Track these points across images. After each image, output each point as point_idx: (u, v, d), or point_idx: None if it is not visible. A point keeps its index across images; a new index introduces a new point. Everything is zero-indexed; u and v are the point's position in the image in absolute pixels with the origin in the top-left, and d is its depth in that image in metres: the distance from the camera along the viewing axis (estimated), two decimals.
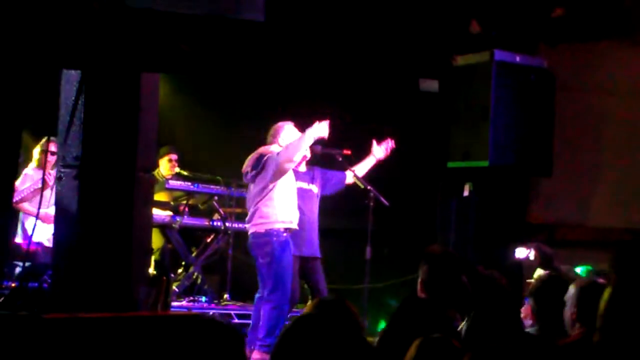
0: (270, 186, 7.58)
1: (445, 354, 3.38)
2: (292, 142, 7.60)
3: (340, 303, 3.94)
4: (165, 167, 10.28)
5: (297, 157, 7.63)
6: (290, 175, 7.74)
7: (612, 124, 8.86)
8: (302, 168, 8.19)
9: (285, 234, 7.59)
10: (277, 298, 7.49)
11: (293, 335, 2.84)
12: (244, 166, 7.77)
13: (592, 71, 8.99)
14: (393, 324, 4.10)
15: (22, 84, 5.39)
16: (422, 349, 3.39)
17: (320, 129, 7.65)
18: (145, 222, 6.06)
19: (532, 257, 7.97)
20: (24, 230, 8.81)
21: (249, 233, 7.74)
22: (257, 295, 7.78)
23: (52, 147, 8.86)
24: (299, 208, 7.87)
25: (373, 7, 9.28)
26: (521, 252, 8.22)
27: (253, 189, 7.74)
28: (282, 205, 7.61)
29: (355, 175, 8.22)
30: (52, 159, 8.89)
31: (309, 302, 7.96)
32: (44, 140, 8.87)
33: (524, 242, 8.34)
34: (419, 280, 4.68)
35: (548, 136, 8.76)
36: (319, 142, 7.99)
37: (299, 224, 7.81)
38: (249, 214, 7.75)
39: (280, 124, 7.94)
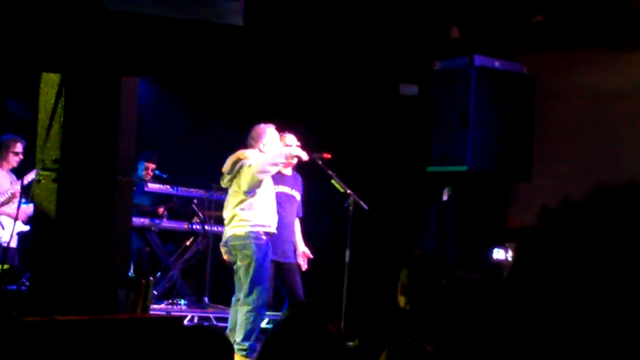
0: (246, 193, 7.57)
1: (416, 359, 3.40)
2: (268, 158, 7.57)
3: (319, 307, 3.95)
4: (142, 171, 10.29)
5: (269, 174, 7.63)
6: (268, 180, 7.73)
7: (591, 130, 8.90)
8: (288, 172, 8.19)
9: (264, 237, 7.58)
10: (254, 301, 7.47)
11: (276, 340, 2.85)
12: (224, 167, 7.76)
13: (571, 77, 9.04)
14: (371, 330, 4.12)
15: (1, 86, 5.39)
16: (393, 354, 3.41)
17: (298, 152, 7.74)
18: (125, 225, 6.06)
19: (510, 258, 8.00)
20: None
21: (227, 235, 7.71)
22: (233, 299, 7.77)
23: (18, 148, 8.90)
24: (279, 212, 7.86)
25: (353, 12, 9.30)
26: (499, 254, 8.25)
27: (230, 192, 7.73)
28: (261, 211, 7.59)
29: (335, 179, 8.22)
30: (16, 159, 8.93)
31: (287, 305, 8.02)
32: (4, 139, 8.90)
33: (502, 245, 8.37)
34: (399, 284, 4.70)
35: (527, 141, 8.80)
36: (299, 145, 8.03)
37: (279, 229, 7.81)
38: (227, 217, 7.73)
39: (262, 126, 7.88)
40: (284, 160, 7.69)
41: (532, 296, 1.49)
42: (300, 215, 8.38)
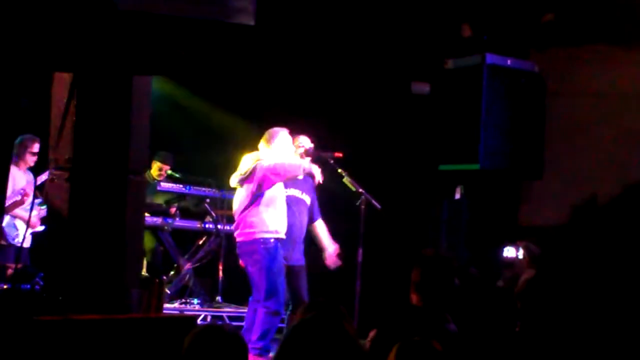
0: (256, 194, 7.56)
1: (425, 358, 3.40)
2: (287, 165, 7.55)
3: (332, 306, 3.96)
4: (155, 171, 10.30)
5: (283, 178, 7.62)
6: (279, 184, 7.71)
7: (602, 128, 8.87)
8: (299, 176, 8.15)
9: (273, 241, 7.56)
10: (273, 304, 7.47)
11: (294, 341, 2.85)
12: (238, 169, 7.75)
13: (583, 75, 9.01)
14: (384, 329, 4.12)
15: (14, 86, 5.40)
16: (401, 353, 3.41)
17: (315, 172, 7.71)
18: (138, 224, 6.07)
19: (520, 256, 7.97)
20: (3, 232, 8.84)
21: (237, 241, 7.72)
22: (250, 299, 7.76)
23: (36, 148, 8.92)
24: (289, 216, 7.84)
25: (365, 10, 9.30)
26: (509, 252, 8.23)
27: (240, 194, 7.71)
28: (270, 216, 7.56)
29: (347, 178, 8.20)
30: (33, 159, 8.95)
31: (291, 307, 8.02)
32: (19, 139, 8.91)
33: (513, 243, 8.34)
34: (412, 282, 4.70)
35: (539, 139, 8.78)
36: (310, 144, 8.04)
37: (289, 232, 7.79)
38: (236, 221, 7.72)
39: (275, 129, 7.87)
40: (300, 174, 7.69)
41: (562, 293, 1.50)
42: (318, 217, 8.36)
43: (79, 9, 5.24)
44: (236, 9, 5.33)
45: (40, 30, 5.24)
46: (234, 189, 8.00)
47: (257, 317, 7.54)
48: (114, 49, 5.44)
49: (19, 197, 8.64)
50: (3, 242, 8.85)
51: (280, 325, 7.78)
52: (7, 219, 8.85)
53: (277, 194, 7.66)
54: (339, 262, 8.31)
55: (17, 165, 8.90)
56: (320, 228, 8.36)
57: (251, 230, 7.55)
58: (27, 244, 8.78)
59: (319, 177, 7.77)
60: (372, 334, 4.44)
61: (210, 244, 10.48)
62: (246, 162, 7.68)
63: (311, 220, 8.31)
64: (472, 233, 9.30)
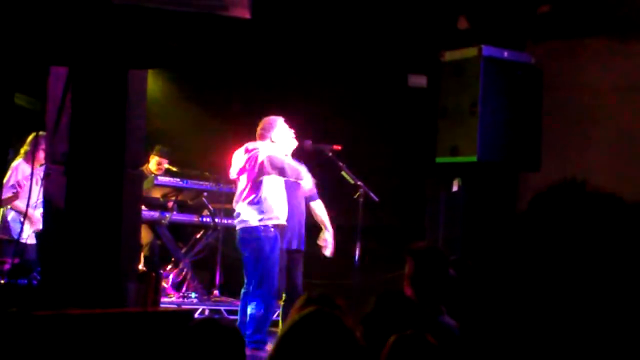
0: (257, 181, 7.57)
1: (420, 351, 3.40)
2: (287, 166, 7.67)
3: (330, 300, 3.95)
4: (154, 166, 10.29)
5: (282, 176, 7.71)
6: None
7: (599, 121, 8.87)
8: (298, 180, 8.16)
9: (273, 230, 7.59)
10: (263, 294, 7.48)
11: (293, 337, 2.84)
12: (233, 161, 7.76)
13: (579, 68, 9.00)
14: (371, 320, 4.11)
15: (10, 80, 5.40)
16: (396, 347, 3.41)
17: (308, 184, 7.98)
18: (134, 218, 6.07)
19: None
20: (8, 227, 8.81)
21: (237, 228, 7.74)
22: (243, 291, 7.77)
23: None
24: (287, 202, 7.86)
25: (361, 3, 9.29)
26: None
27: (240, 185, 7.73)
28: (271, 202, 7.60)
29: (345, 171, 8.21)
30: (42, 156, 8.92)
31: (284, 296, 8.03)
32: (33, 135, 8.87)
33: None
34: (405, 275, 4.70)
35: (536, 132, 8.77)
36: (308, 137, 8.04)
37: (289, 218, 7.82)
38: (237, 210, 7.75)
39: (272, 118, 7.89)
40: (298, 180, 7.80)
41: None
42: (317, 198, 8.37)
43: (74, 3, 5.23)
44: (232, 2, 5.32)
45: (35, 24, 5.23)
46: (231, 183, 7.99)
47: (249, 309, 7.54)
48: (110, 43, 5.44)
49: (10, 194, 8.62)
50: (7, 237, 8.83)
51: (274, 318, 7.80)
52: (12, 214, 8.85)
53: (277, 180, 7.69)
54: (332, 249, 8.29)
55: (28, 161, 8.87)
56: (319, 208, 8.36)
57: (252, 217, 7.58)
58: (32, 240, 8.75)
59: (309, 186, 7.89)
60: (358, 333, 4.43)
61: (208, 237, 10.47)
62: (245, 155, 7.69)
63: (310, 199, 8.34)
64: (469, 225, 9.30)
